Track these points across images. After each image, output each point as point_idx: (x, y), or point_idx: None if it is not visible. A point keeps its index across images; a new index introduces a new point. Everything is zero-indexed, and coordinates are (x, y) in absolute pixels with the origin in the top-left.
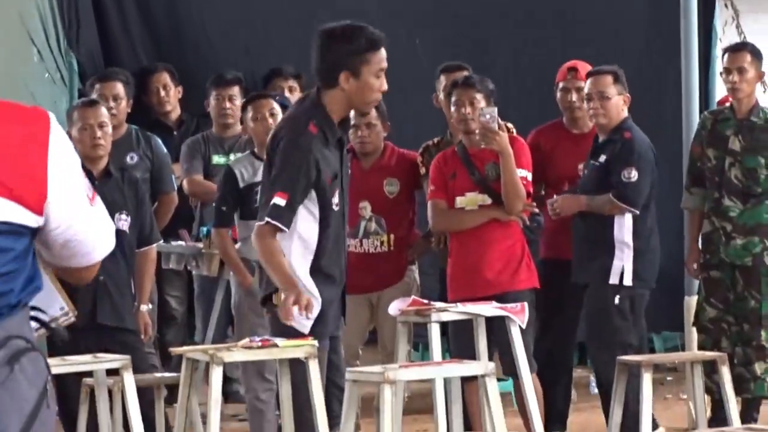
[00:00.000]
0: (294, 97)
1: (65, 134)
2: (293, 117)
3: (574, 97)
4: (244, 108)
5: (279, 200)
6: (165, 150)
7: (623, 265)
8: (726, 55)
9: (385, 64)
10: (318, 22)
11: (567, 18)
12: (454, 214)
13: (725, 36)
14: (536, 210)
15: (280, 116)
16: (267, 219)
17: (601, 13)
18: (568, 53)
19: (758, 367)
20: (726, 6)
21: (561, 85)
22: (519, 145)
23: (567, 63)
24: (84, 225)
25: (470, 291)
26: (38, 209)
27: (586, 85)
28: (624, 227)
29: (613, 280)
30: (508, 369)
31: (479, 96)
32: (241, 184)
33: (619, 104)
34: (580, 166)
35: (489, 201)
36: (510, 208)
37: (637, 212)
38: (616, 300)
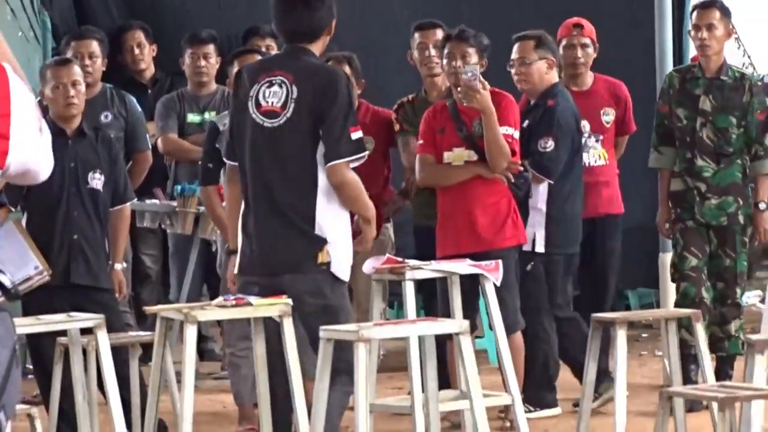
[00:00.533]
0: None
1: (21, 80)
2: (323, 65)
3: (579, 53)
4: (230, 63)
5: (357, 134)
6: (139, 108)
7: (535, 232)
8: (695, 12)
9: None
10: None
11: None
12: (440, 169)
13: None
14: (521, 168)
15: None
16: (354, 155)
17: None
18: (543, 10)
19: (733, 325)
20: None
21: (565, 41)
22: (506, 102)
23: (570, 19)
24: (36, 156)
25: (455, 248)
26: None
27: (513, 51)
28: (539, 195)
29: (526, 247)
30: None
31: (471, 50)
32: None
33: (542, 69)
34: (581, 123)
35: (475, 157)
36: (494, 166)
37: (552, 182)
38: (528, 266)
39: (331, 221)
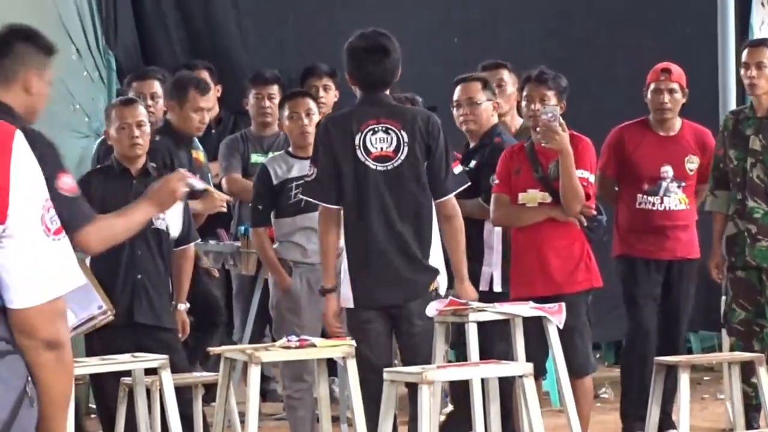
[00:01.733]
0: (329, 95)
1: (30, 151)
2: (418, 109)
3: (666, 98)
4: (281, 105)
5: (458, 168)
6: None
7: (492, 272)
8: (745, 51)
9: None
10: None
11: (615, 18)
12: (513, 209)
13: (761, 34)
14: (594, 212)
15: (316, 116)
16: (460, 187)
17: (641, 10)
18: (616, 52)
19: None
20: (762, 5)
21: (653, 86)
22: (583, 145)
23: (660, 64)
24: (34, 250)
25: (528, 290)
26: (1, 217)
27: (456, 92)
28: (493, 232)
29: (483, 287)
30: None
31: (550, 93)
32: (275, 182)
33: (489, 110)
34: (663, 168)
35: (549, 199)
36: (567, 209)
37: None
38: None
39: (436, 252)
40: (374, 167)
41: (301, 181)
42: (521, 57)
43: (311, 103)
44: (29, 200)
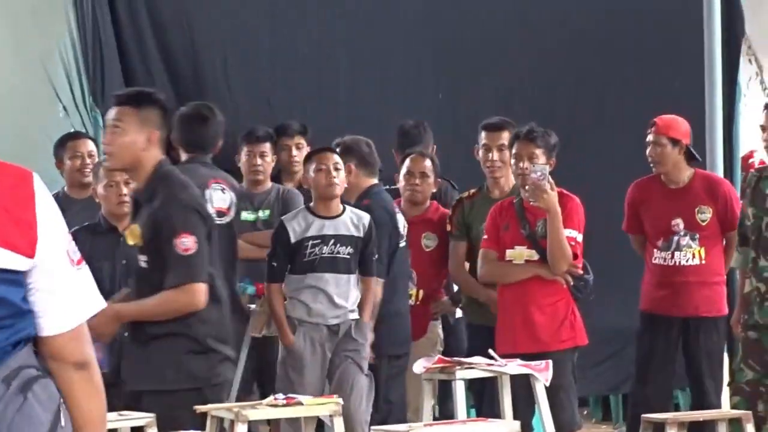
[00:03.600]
0: (302, 153)
1: (48, 191)
2: None
3: (654, 150)
4: (307, 159)
5: None
6: None
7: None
8: (765, 112)
9: None
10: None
11: (604, 72)
12: (501, 266)
13: (749, 91)
14: (581, 272)
15: (342, 172)
16: None
17: (630, 68)
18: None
19: None
20: (750, 61)
21: (647, 138)
22: (571, 205)
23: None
24: (62, 281)
25: (512, 346)
26: (30, 252)
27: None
28: None
29: None
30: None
31: (539, 151)
32: (293, 239)
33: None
34: (675, 221)
35: (536, 257)
36: (554, 267)
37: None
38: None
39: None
40: None
41: (318, 240)
42: (509, 112)
43: (337, 158)
44: (55, 235)
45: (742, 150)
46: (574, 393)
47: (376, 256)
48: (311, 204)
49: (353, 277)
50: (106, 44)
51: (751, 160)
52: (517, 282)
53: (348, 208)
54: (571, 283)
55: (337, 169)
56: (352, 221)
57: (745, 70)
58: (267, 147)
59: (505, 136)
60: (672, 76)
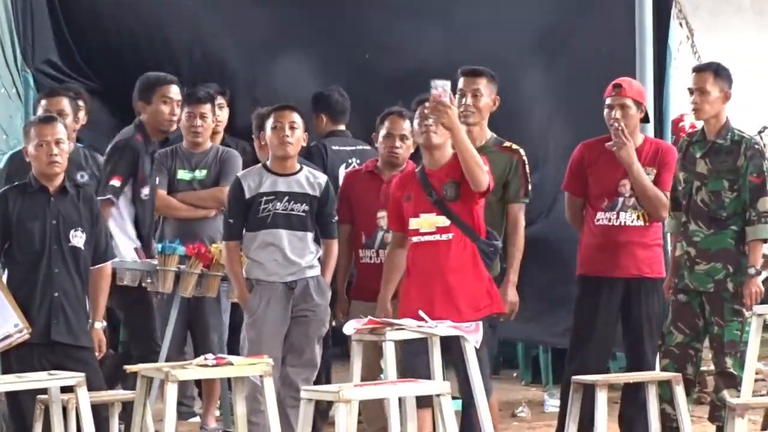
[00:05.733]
0: (223, 113)
1: None
2: None
3: (619, 113)
4: (267, 115)
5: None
6: None
7: None
8: (691, 76)
9: None
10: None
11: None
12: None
13: (680, 55)
14: (493, 233)
15: (300, 130)
16: None
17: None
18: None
19: (728, 394)
20: (681, 25)
21: (606, 101)
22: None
23: (616, 80)
24: None
25: (428, 312)
26: None
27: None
28: None
29: None
30: (465, 391)
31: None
32: (247, 195)
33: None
34: (623, 182)
35: (448, 222)
36: (474, 184)
37: None
38: None
39: None
40: None
41: (272, 196)
42: None
43: (296, 117)
44: None
45: (672, 113)
46: (487, 359)
47: (336, 218)
48: (267, 162)
49: (309, 235)
50: (37, 4)
51: (681, 124)
52: (429, 249)
53: (305, 167)
54: (481, 248)
55: (293, 128)
56: (308, 179)
57: (676, 35)
58: (207, 108)
59: (481, 82)
60: (603, 40)
